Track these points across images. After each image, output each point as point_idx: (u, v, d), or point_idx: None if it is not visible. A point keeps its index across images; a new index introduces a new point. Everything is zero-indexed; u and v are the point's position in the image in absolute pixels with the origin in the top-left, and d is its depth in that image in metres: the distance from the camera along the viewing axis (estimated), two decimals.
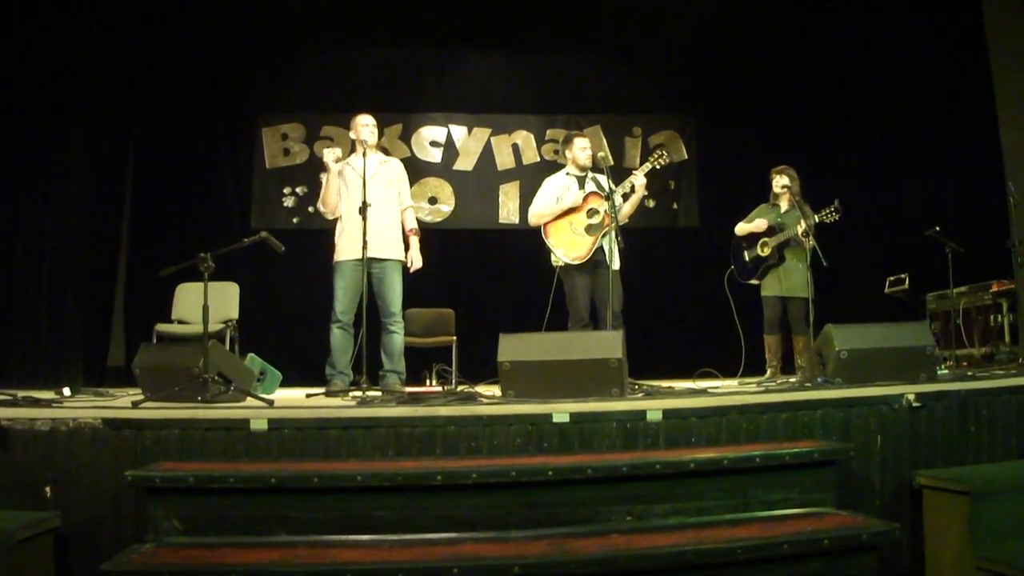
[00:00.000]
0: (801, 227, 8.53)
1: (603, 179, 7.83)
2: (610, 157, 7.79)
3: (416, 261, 7.95)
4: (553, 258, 7.91)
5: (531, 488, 4.23)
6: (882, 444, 4.94)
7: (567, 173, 8.22)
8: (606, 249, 7.64)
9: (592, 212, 7.84)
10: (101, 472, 4.55)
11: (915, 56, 11.61)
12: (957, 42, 10.72)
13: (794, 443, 4.76)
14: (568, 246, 7.85)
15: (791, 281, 8.89)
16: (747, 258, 9.18)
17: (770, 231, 9.05)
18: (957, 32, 10.68)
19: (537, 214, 8.07)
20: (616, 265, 7.66)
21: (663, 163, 8.14)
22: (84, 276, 11.03)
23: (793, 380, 7.41)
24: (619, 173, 8.12)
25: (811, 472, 4.49)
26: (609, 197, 7.46)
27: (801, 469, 4.47)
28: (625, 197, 7.93)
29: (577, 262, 7.80)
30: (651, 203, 12.45)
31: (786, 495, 4.45)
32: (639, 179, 7.83)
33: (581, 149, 8.19)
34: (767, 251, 9.00)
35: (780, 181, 9.11)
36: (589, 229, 7.81)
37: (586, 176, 8.13)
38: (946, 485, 4.73)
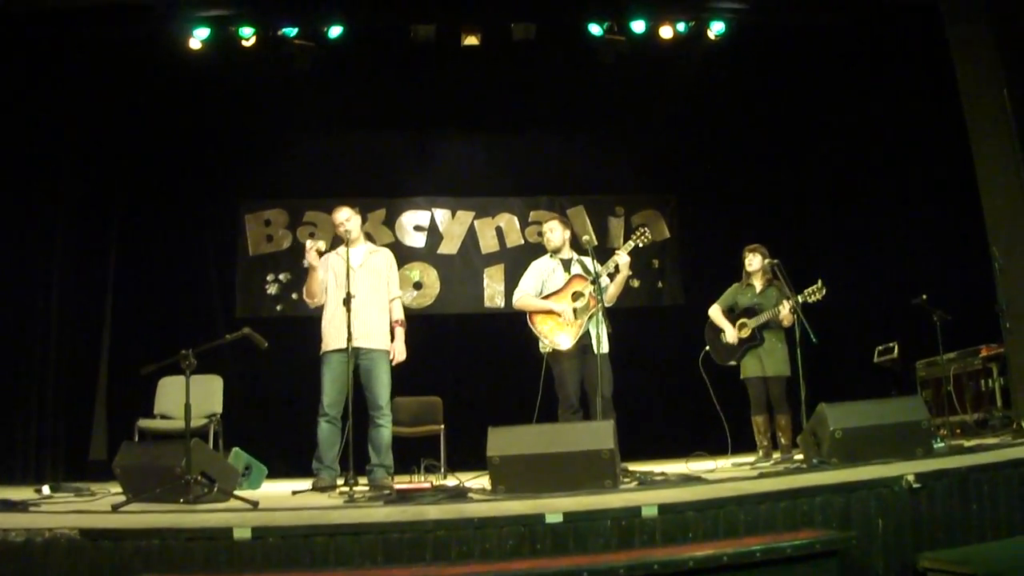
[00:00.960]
0: (786, 306, 8.49)
1: (588, 261, 7.79)
2: (594, 238, 7.73)
3: (400, 354, 7.82)
4: (541, 344, 7.80)
5: None
6: (884, 528, 4.82)
7: (552, 256, 8.14)
8: (593, 333, 7.54)
9: (577, 295, 7.76)
10: None
11: (895, 127, 11.71)
12: (936, 112, 10.80)
13: (794, 533, 4.63)
14: (554, 332, 7.73)
15: (771, 361, 8.86)
16: (724, 340, 9.09)
17: (747, 312, 9.00)
18: (936, 102, 10.75)
19: (522, 300, 7.98)
20: (604, 349, 7.56)
21: (646, 241, 8.09)
22: (66, 367, 10.96)
23: (790, 464, 7.32)
24: (603, 253, 8.06)
25: (814, 563, 4.36)
26: (595, 281, 7.40)
27: (803, 561, 4.34)
28: (611, 277, 7.87)
29: (566, 347, 7.68)
30: (635, 283, 12.41)
31: None
32: (623, 258, 7.75)
33: (550, 231, 8.15)
34: (747, 332, 8.94)
35: (752, 260, 9.11)
36: (575, 313, 7.72)
37: (572, 259, 8.04)
38: (951, 568, 4.59)
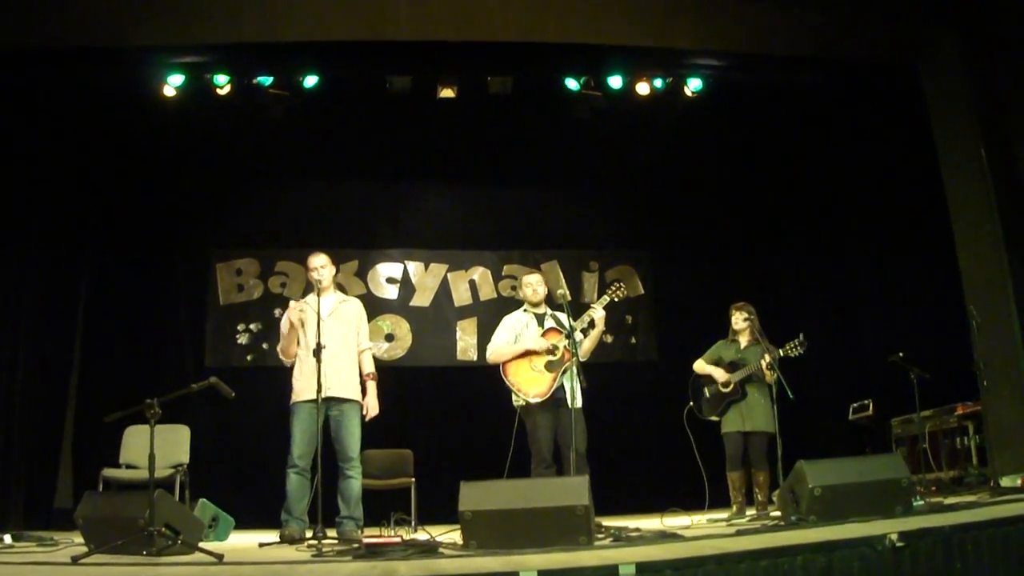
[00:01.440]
0: (765, 360, 8.45)
1: (562, 316, 7.70)
2: (568, 293, 7.64)
3: (372, 408, 7.72)
4: (514, 398, 7.71)
5: None
6: None
7: (525, 310, 8.07)
8: (567, 387, 7.49)
9: (552, 349, 7.68)
10: None
11: (872, 184, 11.80)
12: (913, 170, 10.88)
13: None
14: (528, 384, 7.64)
15: (754, 416, 8.83)
16: (708, 394, 9.08)
17: (731, 366, 8.98)
18: (913, 160, 10.84)
19: (495, 351, 7.89)
20: (579, 403, 7.49)
21: (621, 296, 8.05)
22: (32, 413, 10.76)
23: (767, 520, 7.26)
24: (577, 308, 8.01)
25: None
26: (570, 335, 7.33)
27: None
28: (585, 332, 7.80)
29: (538, 399, 7.57)
30: (609, 338, 12.34)
31: None
32: (598, 312, 7.70)
33: (526, 285, 8.11)
34: (730, 387, 8.90)
35: (741, 317, 9.10)
36: (549, 366, 7.64)
37: (545, 314, 7.98)
38: None
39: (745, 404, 8.87)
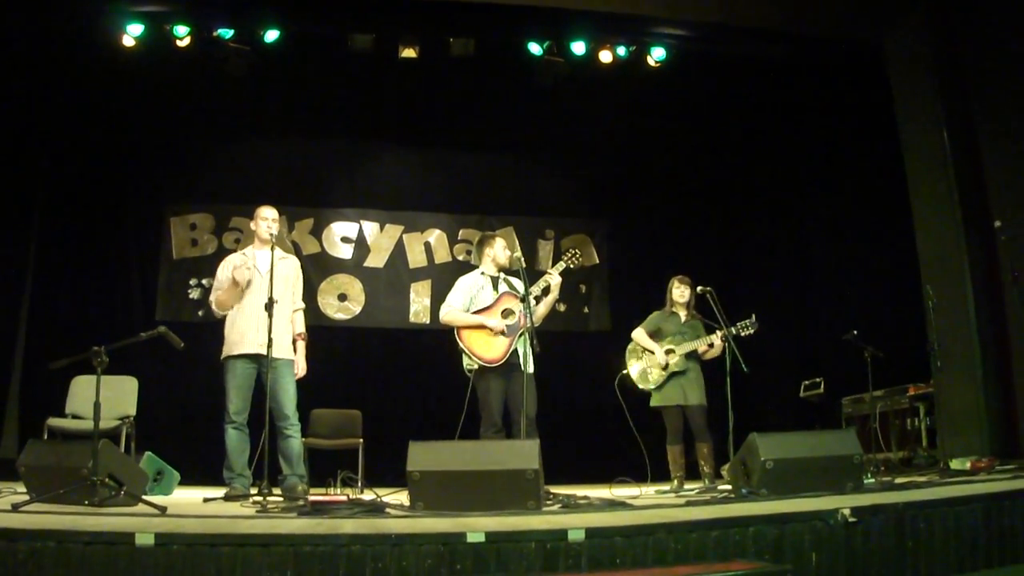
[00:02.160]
0: (718, 336, 8.47)
1: (517, 281, 7.67)
2: (523, 259, 7.62)
3: (301, 369, 7.70)
4: (467, 361, 7.62)
5: None
6: (817, 562, 4.70)
7: (482, 273, 8.00)
8: (520, 352, 7.43)
9: (507, 312, 7.61)
10: None
11: (832, 161, 11.81)
12: (873, 147, 10.87)
13: (726, 565, 4.47)
14: (483, 348, 7.56)
15: (694, 390, 8.81)
16: (647, 365, 9.00)
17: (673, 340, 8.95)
18: (873, 137, 10.83)
19: (450, 315, 7.79)
20: (531, 369, 7.44)
21: (576, 263, 7.97)
22: None
23: (716, 493, 7.27)
24: (532, 275, 7.95)
25: None
26: (524, 299, 7.28)
27: None
28: (539, 299, 7.74)
29: (492, 365, 7.51)
30: (562, 307, 12.36)
31: None
32: (555, 279, 7.62)
33: (503, 248, 7.98)
34: (675, 359, 8.85)
35: (683, 291, 9.06)
36: (505, 331, 7.59)
37: (499, 277, 7.91)
38: None
39: (685, 378, 8.82)
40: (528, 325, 7.22)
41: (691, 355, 8.87)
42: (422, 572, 4.26)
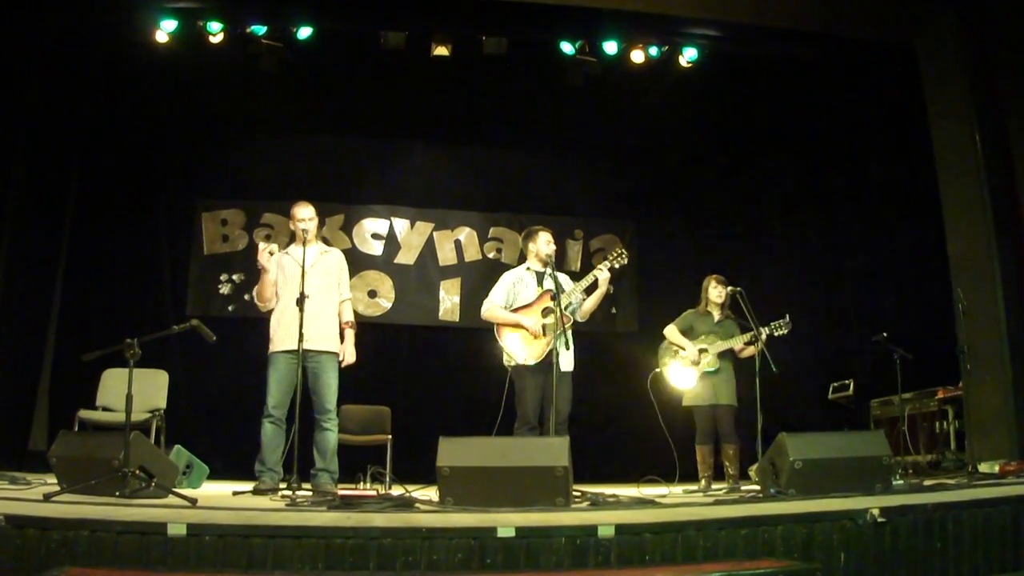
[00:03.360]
0: (747, 337, 8.49)
1: (563, 277, 7.81)
2: (552, 257, 7.64)
3: (349, 356, 7.73)
4: (505, 358, 7.67)
5: None
6: (845, 562, 4.69)
7: (527, 268, 8.01)
8: (562, 352, 7.43)
9: (547, 311, 7.61)
10: None
11: (864, 163, 11.74)
12: (904, 149, 10.83)
13: (755, 563, 4.47)
14: (520, 348, 7.60)
15: (725, 390, 8.83)
16: (681, 364, 8.99)
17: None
18: (904, 139, 10.79)
19: (490, 312, 7.85)
20: (568, 367, 7.53)
21: (621, 263, 7.95)
22: (8, 357, 10.66)
23: (745, 493, 7.26)
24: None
25: None
26: (556, 296, 7.29)
27: None
28: (588, 292, 7.76)
29: (531, 362, 7.55)
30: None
31: None
32: (603, 273, 7.64)
33: (546, 242, 7.94)
34: (708, 358, 8.85)
35: (720, 291, 9.05)
36: (544, 329, 7.59)
37: (545, 273, 7.89)
38: None
39: (718, 377, 8.84)
40: (559, 324, 7.21)
41: (724, 355, 8.88)
42: (452, 566, 4.27)
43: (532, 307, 7.70)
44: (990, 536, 4.96)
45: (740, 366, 8.97)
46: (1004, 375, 9.20)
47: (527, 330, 7.60)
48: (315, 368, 7.45)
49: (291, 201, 7.97)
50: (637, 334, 12.61)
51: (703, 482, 8.72)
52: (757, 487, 7.28)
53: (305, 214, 7.65)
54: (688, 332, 9.06)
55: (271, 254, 7.62)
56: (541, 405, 7.57)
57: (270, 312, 7.74)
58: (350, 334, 7.78)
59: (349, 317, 7.85)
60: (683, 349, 8.95)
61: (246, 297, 11.91)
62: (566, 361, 7.52)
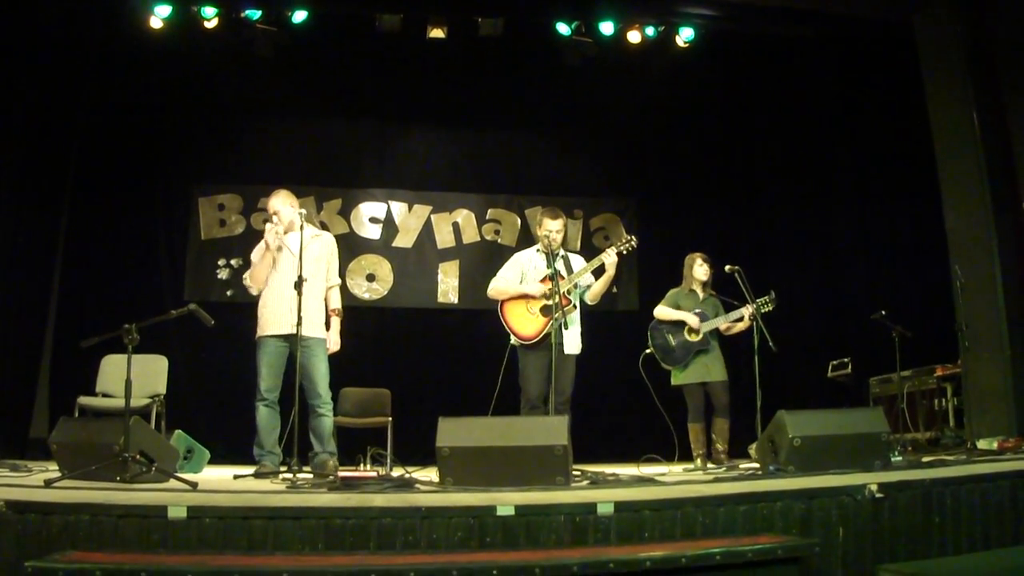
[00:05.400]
0: (748, 310, 8.54)
1: (576, 257, 7.93)
2: (550, 239, 7.66)
3: (334, 344, 7.69)
4: (511, 337, 7.74)
5: None
6: (844, 537, 4.70)
7: (537, 250, 8.03)
8: (564, 331, 7.51)
9: (548, 293, 7.63)
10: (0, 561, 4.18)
11: (860, 140, 11.74)
12: (901, 125, 10.83)
13: (754, 538, 4.49)
14: (520, 326, 7.68)
15: (717, 367, 8.86)
16: (674, 343, 9.00)
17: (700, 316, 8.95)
18: (901, 115, 10.78)
19: (495, 289, 7.94)
20: (574, 350, 7.68)
21: (629, 249, 8.06)
22: (8, 343, 10.67)
23: (743, 470, 7.26)
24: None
25: (774, 569, 4.23)
26: (552, 277, 7.36)
27: (764, 566, 4.20)
28: (596, 275, 7.81)
29: (525, 343, 7.62)
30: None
31: None
32: (610, 257, 7.70)
33: (557, 231, 7.92)
34: (698, 337, 8.85)
35: (705, 269, 9.11)
36: (544, 310, 7.61)
37: (557, 254, 7.91)
38: None
39: (709, 355, 8.87)
40: (558, 303, 7.24)
41: (713, 332, 8.90)
42: (452, 544, 4.29)
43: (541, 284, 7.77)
44: (988, 511, 4.98)
45: (737, 345, 8.98)
46: (1002, 352, 9.25)
47: (532, 297, 7.66)
48: (305, 354, 7.36)
49: (288, 185, 7.98)
50: (638, 313, 12.58)
51: (698, 460, 8.74)
52: (754, 465, 7.30)
53: (287, 202, 7.70)
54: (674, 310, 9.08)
55: (279, 233, 7.58)
56: (545, 385, 7.57)
57: (259, 296, 7.72)
58: (336, 322, 7.74)
59: (336, 304, 7.81)
60: (675, 325, 8.96)
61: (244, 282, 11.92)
62: (573, 343, 7.62)
